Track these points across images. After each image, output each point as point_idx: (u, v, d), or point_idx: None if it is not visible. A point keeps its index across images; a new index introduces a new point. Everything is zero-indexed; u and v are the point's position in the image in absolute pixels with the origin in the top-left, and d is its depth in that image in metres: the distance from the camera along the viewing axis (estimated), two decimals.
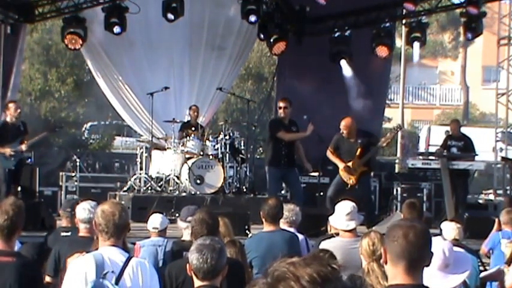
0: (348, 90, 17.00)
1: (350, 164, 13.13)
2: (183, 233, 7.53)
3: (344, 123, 13.19)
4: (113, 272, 4.89)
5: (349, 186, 13.13)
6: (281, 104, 13.91)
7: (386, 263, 3.55)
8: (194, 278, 4.69)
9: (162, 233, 8.17)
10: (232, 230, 7.41)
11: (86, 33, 15.79)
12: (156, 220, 8.22)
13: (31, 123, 15.25)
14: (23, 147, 13.38)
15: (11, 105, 13.49)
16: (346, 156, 13.21)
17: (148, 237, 8.32)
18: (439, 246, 4.23)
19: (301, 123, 13.95)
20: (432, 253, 3.61)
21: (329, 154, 13.33)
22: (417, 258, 3.51)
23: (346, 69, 17.13)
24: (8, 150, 13.25)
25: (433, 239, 3.80)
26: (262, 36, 16.68)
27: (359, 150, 13.13)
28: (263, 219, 7.68)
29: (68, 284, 4.98)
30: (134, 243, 7.83)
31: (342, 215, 7.11)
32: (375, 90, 17.90)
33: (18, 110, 13.48)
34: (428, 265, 3.58)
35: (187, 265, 4.73)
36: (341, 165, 13.18)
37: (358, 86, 17.06)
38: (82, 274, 4.92)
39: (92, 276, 4.86)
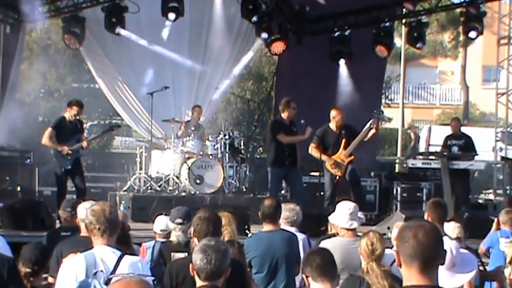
0: (341, 90, 17.07)
1: (338, 157, 13.16)
2: (172, 234, 7.50)
3: (337, 112, 13.25)
4: (102, 271, 4.88)
5: (337, 177, 13.18)
6: (294, 105, 13.78)
7: (400, 265, 3.54)
8: (196, 277, 4.68)
9: (168, 235, 8.16)
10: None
11: (85, 33, 15.82)
12: (163, 222, 8.19)
13: (30, 123, 15.23)
14: (84, 144, 13.15)
15: (75, 108, 13.06)
16: (333, 148, 13.23)
17: (149, 237, 8.32)
18: (446, 245, 4.24)
19: (300, 126, 13.91)
20: (445, 251, 3.60)
21: (313, 150, 13.22)
22: (430, 257, 3.49)
23: (343, 71, 17.20)
24: (65, 149, 12.94)
25: None
26: (262, 36, 16.67)
27: (344, 141, 13.17)
28: (262, 220, 7.69)
29: (59, 284, 4.99)
30: (140, 244, 7.82)
31: (345, 214, 7.11)
32: (372, 89, 17.92)
33: (80, 114, 13.20)
34: (442, 263, 3.56)
35: (191, 265, 4.71)
36: (330, 160, 13.20)
37: (352, 88, 17.11)
38: (73, 274, 4.93)
39: (82, 276, 4.86)
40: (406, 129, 29.93)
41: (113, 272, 4.90)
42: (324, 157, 13.23)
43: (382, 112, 14.64)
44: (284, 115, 13.73)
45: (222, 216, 6.72)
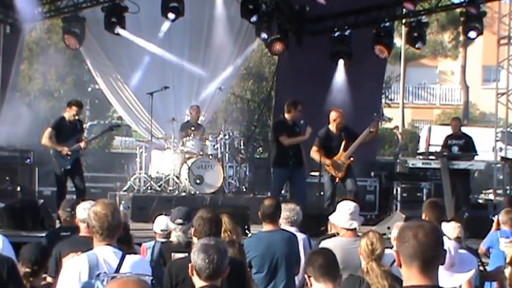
0: (341, 90, 17.05)
1: (339, 159, 13.09)
2: (172, 234, 7.49)
3: (337, 114, 13.10)
4: (105, 273, 4.88)
5: (337, 180, 13.13)
6: (300, 108, 13.69)
7: (400, 265, 3.54)
8: (195, 277, 4.66)
9: (168, 235, 8.15)
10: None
11: (85, 33, 15.83)
12: (163, 222, 8.18)
13: (30, 123, 15.22)
14: (82, 144, 13.10)
15: (75, 108, 13.03)
16: (334, 150, 13.15)
17: (149, 237, 8.31)
18: (445, 245, 4.25)
19: (300, 126, 13.87)
20: (445, 251, 3.59)
21: (314, 153, 13.06)
22: (430, 257, 3.49)
23: (343, 71, 17.18)
24: (65, 149, 12.90)
25: None
26: (261, 35, 16.66)
27: (344, 143, 13.12)
28: (262, 220, 7.69)
29: (62, 284, 4.98)
30: (140, 244, 7.82)
31: (345, 214, 7.11)
32: (372, 89, 17.91)
33: (79, 114, 13.20)
34: (443, 263, 3.56)
35: (190, 265, 4.70)
36: (331, 163, 13.11)
37: (352, 88, 17.09)
38: (76, 274, 4.92)
39: (85, 277, 4.86)
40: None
41: (116, 271, 4.90)
42: (324, 160, 13.16)
43: (383, 115, 14.65)
44: (288, 116, 13.59)
45: (223, 218, 6.72)
